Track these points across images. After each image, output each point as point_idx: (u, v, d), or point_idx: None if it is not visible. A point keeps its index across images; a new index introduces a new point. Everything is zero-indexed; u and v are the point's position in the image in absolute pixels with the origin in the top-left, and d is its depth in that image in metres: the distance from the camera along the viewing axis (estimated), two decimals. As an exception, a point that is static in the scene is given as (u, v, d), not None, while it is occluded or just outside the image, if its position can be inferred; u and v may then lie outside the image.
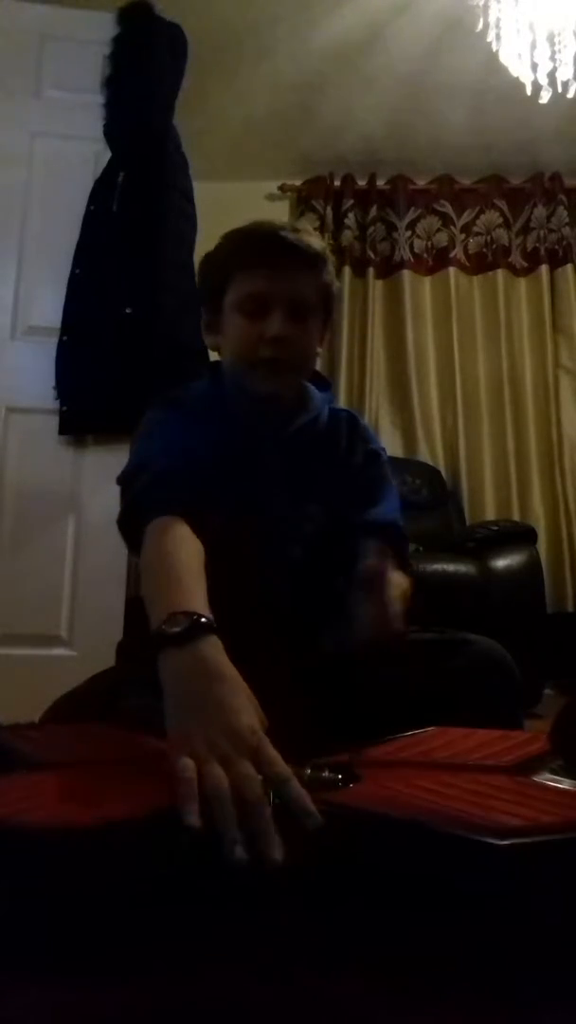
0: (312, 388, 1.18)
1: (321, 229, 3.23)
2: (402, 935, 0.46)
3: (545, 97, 2.23)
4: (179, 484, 0.97)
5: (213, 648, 0.70)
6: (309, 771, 0.60)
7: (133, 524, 0.96)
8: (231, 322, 1.09)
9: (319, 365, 1.25)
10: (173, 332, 2.23)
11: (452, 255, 3.28)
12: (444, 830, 0.47)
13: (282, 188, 3.34)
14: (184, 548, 0.88)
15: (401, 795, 0.55)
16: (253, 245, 1.09)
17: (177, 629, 0.71)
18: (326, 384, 1.24)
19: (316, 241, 1.11)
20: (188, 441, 1.05)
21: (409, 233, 3.30)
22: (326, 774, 0.60)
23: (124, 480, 1.05)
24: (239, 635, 0.94)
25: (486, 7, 2.25)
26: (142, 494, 0.99)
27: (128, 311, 2.14)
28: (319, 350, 1.17)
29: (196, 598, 0.77)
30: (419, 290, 3.25)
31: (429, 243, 3.31)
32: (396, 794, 0.56)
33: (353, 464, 1.15)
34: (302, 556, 1.05)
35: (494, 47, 2.26)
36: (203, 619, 0.73)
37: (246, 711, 0.64)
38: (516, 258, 3.29)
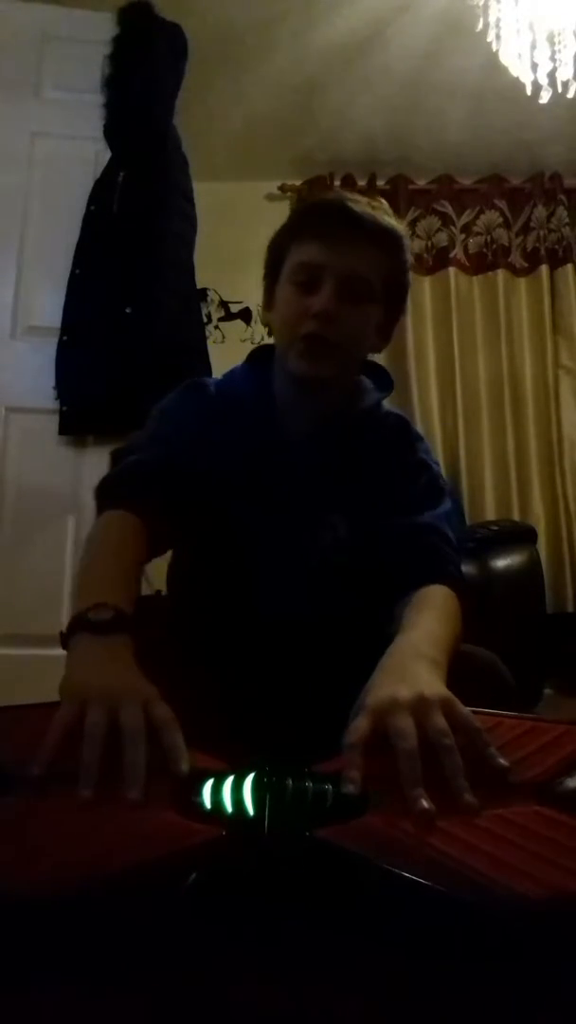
0: (367, 383, 1.09)
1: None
2: (406, 960, 0.45)
3: (545, 97, 2.23)
4: (152, 477, 0.95)
5: (123, 645, 0.72)
6: (293, 786, 0.56)
7: (99, 504, 0.97)
8: (281, 294, 1.01)
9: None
10: (173, 332, 2.23)
11: (452, 255, 3.28)
12: (454, 897, 0.44)
13: (282, 188, 3.33)
14: (124, 545, 0.89)
15: (410, 840, 0.51)
16: (314, 213, 1.02)
17: (96, 619, 0.73)
18: (387, 382, 1.12)
19: (390, 220, 1.00)
20: (196, 429, 1.01)
21: (409, 233, 3.28)
22: (325, 788, 0.57)
23: (114, 455, 1.05)
24: (237, 642, 0.94)
25: (486, 7, 2.24)
26: (113, 478, 0.99)
27: (128, 311, 2.14)
28: (380, 345, 1.05)
29: (122, 593, 0.79)
30: (419, 290, 3.24)
31: (429, 243, 3.30)
32: (404, 838, 0.52)
33: (395, 474, 1.04)
34: (318, 566, 1.00)
35: (494, 47, 2.26)
36: (123, 615, 0.75)
37: (146, 685, 0.66)
38: (516, 258, 3.29)
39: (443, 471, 1.14)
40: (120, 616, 0.74)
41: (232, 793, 0.56)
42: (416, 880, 0.46)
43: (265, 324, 1.08)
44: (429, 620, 0.84)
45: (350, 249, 0.96)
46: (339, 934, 0.46)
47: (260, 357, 1.10)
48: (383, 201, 1.06)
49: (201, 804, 0.55)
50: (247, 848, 0.51)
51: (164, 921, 0.46)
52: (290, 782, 0.57)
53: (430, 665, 0.72)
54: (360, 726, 0.62)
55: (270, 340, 1.09)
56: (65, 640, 0.74)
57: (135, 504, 0.92)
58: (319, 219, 0.99)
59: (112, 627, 0.72)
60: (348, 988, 0.43)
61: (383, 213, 1.00)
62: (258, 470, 1.01)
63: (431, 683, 0.67)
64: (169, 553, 1.11)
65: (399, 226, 1.01)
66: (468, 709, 0.64)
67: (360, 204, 0.97)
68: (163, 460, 0.98)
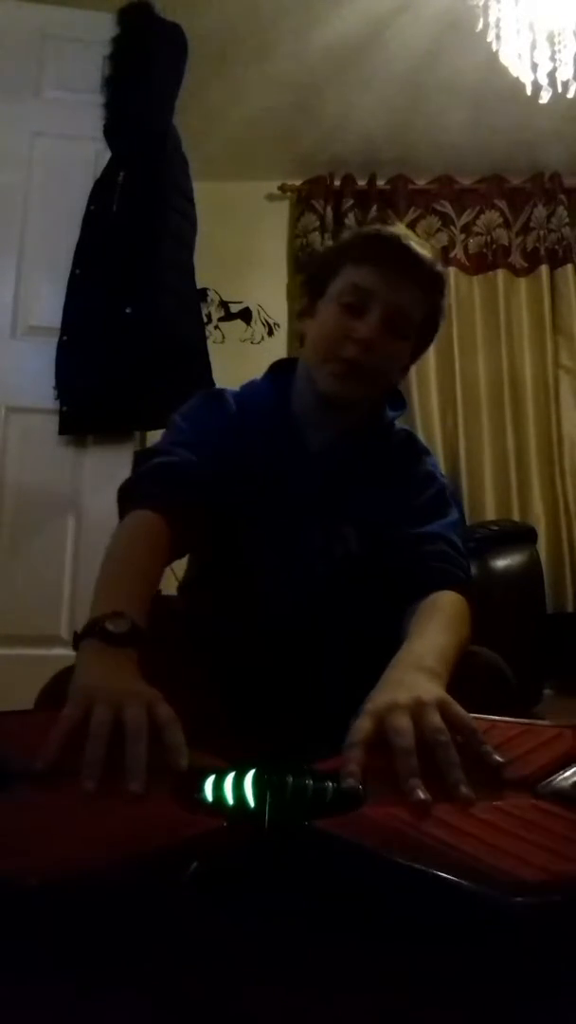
0: (386, 409, 1.11)
1: (321, 229, 3.23)
2: (407, 952, 0.45)
3: (545, 97, 2.23)
4: (178, 479, 0.96)
5: (132, 660, 0.73)
6: (294, 781, 0.57)
7: (122, 504, 0.97)
8: (325, 310, 1.02)
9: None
10: (173, 332, 2.23)
11: (452, 255, 3.28)
12: (451, 881, 0.44)
13: (282, 188, 3.34)
14: (147, 549, 0.90)
15: (408, 830, 0.52)
16: (375, 240, 1.04)
17: (114, 629, 0.74)
18: (400, 404, 1.15)
19: (438, 266, 1.04)
20: (216, 436, 1.03)
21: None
22: (325, 784, 0.57)
23: (138, 456, 1.05)
24: (247, 649, 0.94)
25: (486, 7, 2.24)
26: (136, 480, 0.99)
27: (128, 311, 2.14)
28: (399, 380, 1.09)
29: (140, 602, 0.81)
30: (419, 290, 3.24)
31: (429, 243, 3.30)
32: (403, 828, 0.52)
33: (403, 486, 1.06)
34: (327, 575, 1.01)
35: (494, 47, 2.26)
36: (138, 630, 0.75)
37: (150, 690, 0.68)
38: (516, 258, 3.29)
39: (446, 475, 1.16)
40: (135, 630, 0.75)
41: (233, 788, 0.56)
42: (413, 867, 0.47)
43: (300, 333, 1.09)
44: (434, 630, 0.85)
45: (402, 284, 0.99)
46: (338, 924, 0.46)
47: (280, 370, 1.12)
48: (431, 245, 1.10)
49: (203, 799, 0.56)
50: (248, 838, 0.52)
51: (164, 911, 0.46)
52: (290, 779, 0.57)
53: (429, 675, 0.74)
54: (361, 726, 0.64)
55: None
56: (77, 640, 0.75)
57: (159, 504, 0.93)
58: (379, 246, 1.01)
59: (125, 640, 0.74)
60: (348, 979, 0.44)
61: (435, 256, 1.04)
62: (274, 481, 1.02)
63: (429, 689, 0.69)
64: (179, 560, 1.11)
65: (443, 273, 1.05)
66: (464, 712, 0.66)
67: (415, 243, 1.01)
68: (187, 463, 0.98)
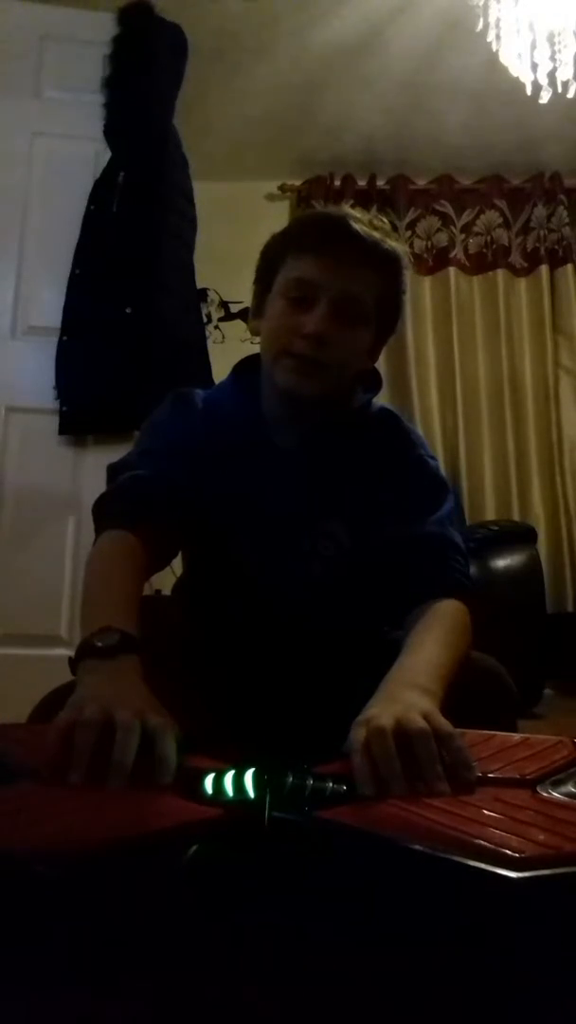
0: (359, 392, 1.05)
1: (321, 229, 3.23)
2: (408, 951, 0.45)
3: (545, 97, 2.23)
4: (149, 495, 0.94)
5: (131, 666, 0.72)
6: (293, 779, 0.57)
7: (96, 521, 0.96)
8: (273, 306, 0.97)
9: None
10: (173, 332, 2.23)
11: (452, 255, 3.28)
12: (455, 859, 0.44)
13: (282, 188, 3.34)
14: (125, 570, 0.89)
15: (411, 816, 0.52)
16: (313, 227, 0.99)
17: (102, 643, 0.73)
18: (375, 383, 1.08)
19: (391, 241, 0.97)
20: (187, 442, 1.01)
21: (409, 233, 3.29)
22: (324, 784, 0.58)
23: (111, 470, 1.03)
24: (241, 651, 0.94)
25: (486, 7, 2.24)
26: (108, 497, 0.97)
27: (128, 311, 2.15)
28: (368, 365, 1.03)
29: (127, 617, 0.79)
30: (419, 290, 3.25)
31: (429, 243, 3.31)
32: (406, 814, 0.53)
33: (393, 474, 1.01)
34: (321, 574, 0.99)
35: (494, 47, 2.26)
36: (130, 637, 0.74)
37: (143, 700, 0.67)
38: (516, 258, 3.29)
39: (445, 473, 1.11)
40: (126, 638, 0.74)
41: (233, 784, 0.57)
42: (412, 847, 0.47)
43: (254, 333, 1.04)
44: (431, 644, 0.83)
45: (347, 269, 0.93)
46: (339, 919, 0.46)
47: (246, 368, 1.08)
48: (385, 220, 1.04)
49: (203, 792, 0.56)
50: (248, 826, 0.52)
51: (164, 897, 0.46)
52: (290, 777, 0.58)
53: (422, 693, 0.72)
54: (358, 736, 0.64)
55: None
56: (73, 666, 0.75)
57: (131, 524, 0.92)
58: (318, 234, 0.96)
59: (118, 650, 0.73)
60: (349, 976, 0.43)
61: (384, 234, 0.97)
62: (251, 482, 0.99)
63: (418, 703, 0.69)
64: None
65: (399, 247, 0.99)
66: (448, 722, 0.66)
67: (361, 223, 0.95)
68: (157, 477, 0.96)
